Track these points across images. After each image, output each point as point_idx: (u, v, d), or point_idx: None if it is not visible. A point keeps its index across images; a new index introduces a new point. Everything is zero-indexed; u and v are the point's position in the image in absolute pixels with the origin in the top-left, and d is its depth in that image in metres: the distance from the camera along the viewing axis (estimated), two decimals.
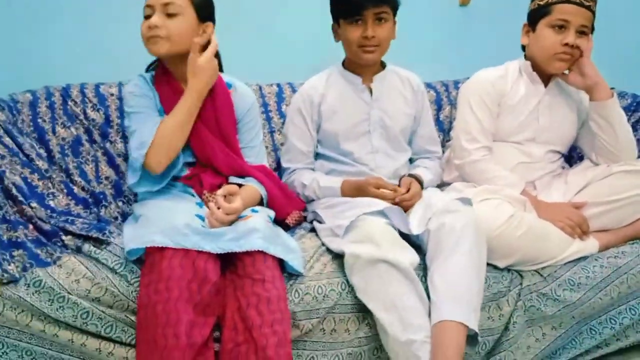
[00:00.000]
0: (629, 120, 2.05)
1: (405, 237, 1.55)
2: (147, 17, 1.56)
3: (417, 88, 1.90)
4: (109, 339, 1.37)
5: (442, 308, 1.40)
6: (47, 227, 1.47)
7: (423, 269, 1.51)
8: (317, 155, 1.90)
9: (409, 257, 1.46)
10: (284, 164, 1.90)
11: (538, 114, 1.86)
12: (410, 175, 1.79)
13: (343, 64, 1.86)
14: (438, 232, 1.50)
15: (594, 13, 1.75)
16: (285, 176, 1.90)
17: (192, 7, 1.58)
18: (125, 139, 1.83)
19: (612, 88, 1.81)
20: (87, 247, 1.43)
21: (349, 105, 1.81)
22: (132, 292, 1.37)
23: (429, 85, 2.18)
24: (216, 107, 1.64)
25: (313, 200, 1.82)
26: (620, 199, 1.70)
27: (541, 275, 1.62)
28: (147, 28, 1.55)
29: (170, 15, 1.55)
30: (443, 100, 2.24)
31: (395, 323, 1.39)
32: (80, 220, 1.52)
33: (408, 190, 1.69)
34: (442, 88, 2.27)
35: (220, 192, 1.50)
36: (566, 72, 1.82)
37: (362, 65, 1.79)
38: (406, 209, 1.65)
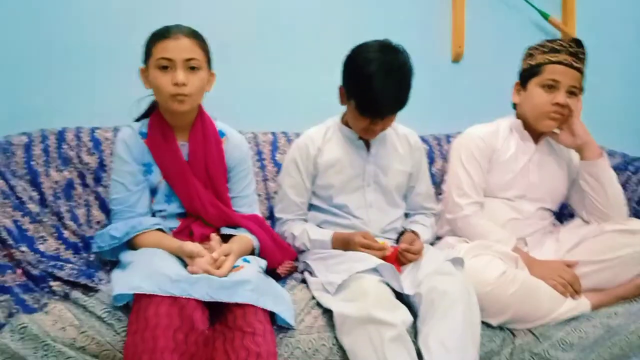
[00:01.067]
0: (618, 178, 2.07)
1: (398, 297, 1.53)
2: (162, 68, 1.54)
3: (415, 145, 1.91)
4: None
5: None
6: (35, 272, 1.45)
7: (414, 334, 1.48)
8: (311, 207, 1.89)
9: (401, 316, 1.44)
10: (277, 214, 1.90)
11: (528, 171, 1.88)
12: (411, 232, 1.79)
13: (342, 118, 1.87)
14: (430, 295, 1.49)
15: (583, 74, 1.80)
16: (277, 226, 1.89)
17: (205, 59, 1.60)
18: None
19: (601, 147, 1.84)
20: (75, 293, 1.41)
21: (346, 160, 1.81)
22: (119, 341, 1.34)
23: (421, 139, 2.19)
24: (207, 156, 1.65)
25: (304, 251, 1.81)
26: (612, 259, 1.71)
27: (534, 335, 1.61)
28: (172, 85, 1.53)
29: (191, 70, 1.55)
30: (435, 154, 2.26)
31: None
32: (70, 265, 1.51)
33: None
34: (435, 141, 2.30)
35: (215, 255, 1.48)
36: (557, 131, 1.85)
37: None
38: (405, 263, 1.65)
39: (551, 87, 1.78)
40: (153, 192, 1.66)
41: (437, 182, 2.19)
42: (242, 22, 2.25)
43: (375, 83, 1.61)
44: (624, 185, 2.08)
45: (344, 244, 1.71)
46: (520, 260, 1.72)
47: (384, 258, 1.63)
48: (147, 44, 1.59)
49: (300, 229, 1.81)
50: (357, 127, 1.74)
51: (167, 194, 1.65)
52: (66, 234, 1.68)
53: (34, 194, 1.70)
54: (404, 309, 1.48)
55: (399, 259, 1.66)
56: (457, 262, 1.60)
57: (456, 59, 2.55)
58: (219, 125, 1.73)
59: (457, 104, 2.50)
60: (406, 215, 1.96)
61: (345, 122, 1.84)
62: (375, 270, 1.56)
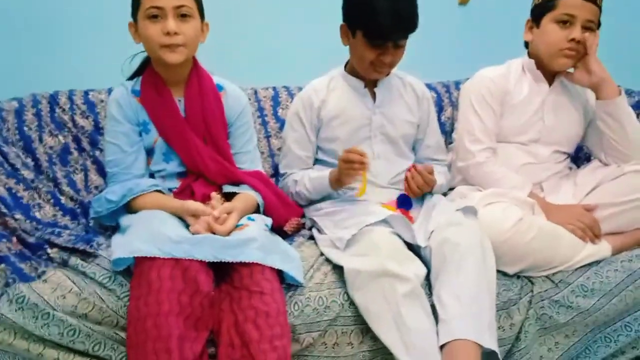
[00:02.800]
0: (637, 118, 1.99)
1: (410, 249, 1.47)
2: (152, 18, 1.46)
3: (422, 95, 1.82)
4: (98, 357, 1.29)
5: (452, 326, 1.32)
6: (31, 239, 1.40)
7: (427, 286, 1.43)
8: (317, 161, 1.82)
9: (415, 268, 1.39)
10: (282, 169, 1.83)
11: (543, 114, 1.79)
12: None
13: (345, 66, 1.78)
14: (441, 248, 1.43)
15: (600, 8, 1.69)
16: (281, 181, 1.83)
17: (196, 7, 1.51)
18: None
19: (618, 86, 1.74)
20: (73, 260, 1.35)
21: (351, 111, 1.73)
22: (121, 307, 1.29)
23: (429, 86, 2.11)
24: (205, 110, 1.58)
25: (306, 200, 1.74)
26: (633, 200, 1.63)
27: (552, 282, 1.55)
28: (163, 35, 1.45)
29: (183, 18, 1.47)
30: (444, 102, 2.17)
31: (401, 347, 1.31)
32: (67, 232, 1.45)
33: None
34: (443, 89, 2.21)
35: (216, 213, 1.42)
36: (571, 70, 1.75)
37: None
38: (413, 192, 1.61)
39: (566, 22, 1.67)
40: (150, 152, 1.59)
41: (447, 131, 2.11)
42: None
43: (384, 2, 1.51)
44: None
45: (337, 175, 1.62)
46: (537, 206, 1.65)
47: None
48: None
49: (300, 174, 1.75)
50: (365, 64, 1.63)
51: (165, 152, 1.58)
52: (63, 199, 1.62)
53: (28, 160, 1.65)
54: (417, 262, 1.43)
55: (410, 186, 1.62)
56: (469, 211, 1.53)
57: (463, 1, 2.44)
58: (217, 79, 1.65)
59: (465, 48, 2.41)
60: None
61: (349, 70, 1.75)
62: (385, 222, 1.50)
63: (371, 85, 1.75)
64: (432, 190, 1.68)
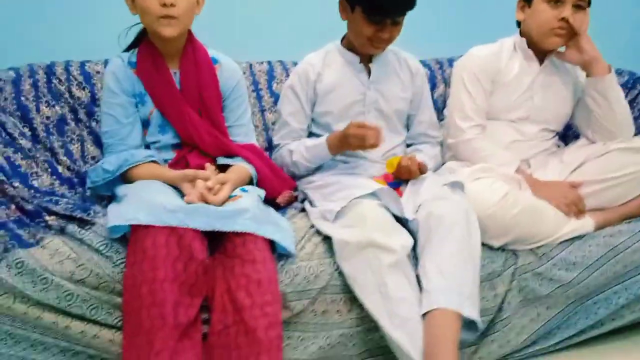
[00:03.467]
0: (625, 97, 2.01)
1: (398, 221, 1.51)
2: None
3: (416, 71, 1.85)
4: (94, 322, 1.33)
5: (434, 296, 1.36)
6: (30, 207, 1.43)
7: (414, 258, 1.47)
8: (310, 135, 1.85)
9: (401, 239, 1.43)
10: (276, 141, 1.86)
11: (532, 93, 1.82)
12: None
13: (342, 41, 1.80)
14: (428, 221, 1.47)
15: None
16: (274, 152, 1.85)
17: None
18: None
19: (608, 65, 1.77)
20: (71, 227, 1.38)
21: (345, 85, 1.76)
22: (117, 273, 1.33)
23: (423, 63, 2.12)
24: (200, 83, 1.60)
25: (305, 169, 1.76)
26: (617, 177, 1.68)
27: (536, 255, 1.60)
28: (159, 5, 1.47)
29: None
30: (437, 79, 2.20)
31: (385, 316, 1.36)
32: (65, 200, 1.48)
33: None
34: (437, 66, 2.23)
35: (210, 183, 1.45)
36: (562, 48, 1.78)
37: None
38: (403, 175, 1.64)
39: (557, 1, 1.69)
40: (146, 124, 1.62)
41: (440, 107, 2.13)
42: None
43: None
44: (631, 104, 2.03)
45: (340, 141, 1.65)
46: (524, 181, 1.69)
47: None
48: None
49: (296, 143, 1.77)
50: (363, 38, 1.66)
51: (161, 124, 1.61)
52: (60, 169, 1.65)
53: (26, 130, 1.67)
54: (404, 233, 1.47)
55: (399, 171, 1.64)
56: (456, 185, 1.57)
57: None
58: (212, 52, 1.67)
59: (459, 25, 2.41)
60: (409, 145, 1.91)
61: (346, 44, 1.77)
62: (374, 195, 1.54)
63: (366, 60, 1.77)
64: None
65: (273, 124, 1.96)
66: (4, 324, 1.30)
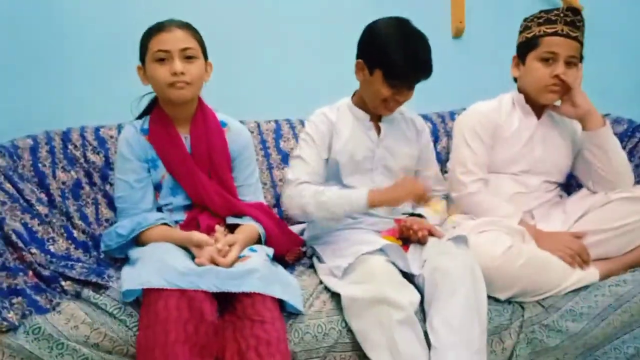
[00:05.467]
0: (625, 146, 2.06)
1: (405, 277, 1.54)
2: (159, 61, 1.56)
3: (422, 129, 1.90)
4: None
5: (442, 352, 1.38)
6: (46, 272, 1.47)
7: (422, 312, 1.49)
8: None
9: (409, 295, 1.45)
10: (291, 176, 1.73)
11: (533, 146, 1.87)
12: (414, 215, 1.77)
13: (351, 98, 1.84)
14: (433, 276, 1.49)
15: (581, 43, 1.78)
16: (290, 187, 1.72)
17: (200, 49, 1.62)
18: None
19: (606, 114, 1.82)
20: (86, 292, 1.43)
21: (356, 141, 1.79)
22: (131, 336, 1.36)
23: (425, 117, 2.19)
24: (210, 146, 1.67)
25: (316, 218, 1.70)
26: (620, 226, 1.70)
27: (542, 307, 1.61)
28: (170, 74, 1.55)
29: (188, 59, 1.58)
30: (440, 132, 2.26)
31: None
32: (80, 264, 1.53)
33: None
34: (439, 119, 2.29)
35: (219, 245, 1.50)
36: (558, 103, 1.83)
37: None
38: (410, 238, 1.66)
39: (549, 59, 1.76)
40: (158, 187, 1.68)
41: (442, 160, 2.18)
42: (241, 11, 2.26)
43: (406, 48, 1.62)
44: (631, 152, 2.07)
45: (386, 190, 1.67)
46: (527, 233, 1.72)
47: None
48: (142, 40, 1.61)
49: (323, 187, 1.71)
50: (377, 100, 1.70)
51: (172, 187, 1.67)
52: (75, 233, 1.71)
53: (42, 195, 1.73)
54: (411, 289, 1.50)
55: (404, 233, 1.67)
56: (460, 240, 1.61)
57: (457, 34, 2.53)
58: (220, 116, 1.75)
59: (459, 80, 2.47)
60: None
61: (356, 102, 1.82)
62: (381, 250, 1.57)
63: (375, 118, 1.82)
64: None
65: (280, 180, 2.01)
66: None
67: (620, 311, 1.64)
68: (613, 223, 1.71)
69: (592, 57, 1.83)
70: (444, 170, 2.12)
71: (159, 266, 1.39)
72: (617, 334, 1.67)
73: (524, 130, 1.86)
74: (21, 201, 1.64)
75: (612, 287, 1.67)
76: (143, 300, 1.37)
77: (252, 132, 2.03)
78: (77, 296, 1.44)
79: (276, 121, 2.16)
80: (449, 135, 2.22)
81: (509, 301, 1.61)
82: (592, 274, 1.68)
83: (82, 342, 1.34)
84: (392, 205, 1.69)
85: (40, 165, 1.78)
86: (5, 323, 1.31)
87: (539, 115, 1.88)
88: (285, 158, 2.05)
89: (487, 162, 1.87)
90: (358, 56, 1.73)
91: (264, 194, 1.88)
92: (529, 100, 1.86)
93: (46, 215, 1.67)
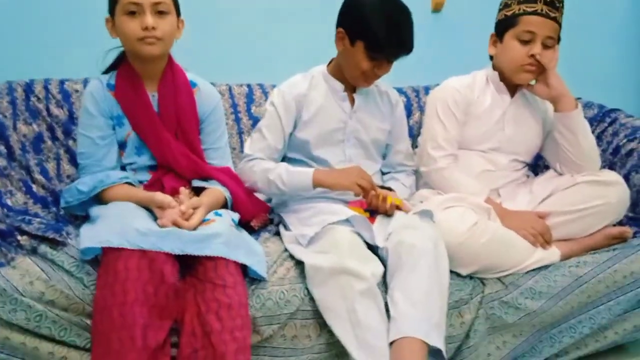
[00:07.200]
0: (594, 130, 2.09)
1: (369, 248, 1.54)
2: (130, 14, 1.50)
3: (396, 103, 1.89)
4: (63, 343, 1.33)
5: (401, 324, 1.38)
6: (2, 226, 1.43)
7: (384, 285, 1.49)
8: (288, 160, 1.83)
9: (372, 267, 1.45)
10: (247, 150, 1.77)
11: (504, 124, 1.87)
12: (384, 188, 1.76)
13: (327, 66, 1.81)
14: (398, 249, 1.49)
15: (560, 24, 1.77)
16: (242, 162, 1.76)
17: (172, 4, 1.56)
18: None
19: (578, 98, 1.83)
20: (43, 248, 1.39)
21: (328, 112, 1.77)
22: (87, 295, 1.34)
23: (399, 90, 2.17)
24: (178, 106, 1.62)
25: (273, 192, 1.73)
26: (583, 209, 1.72)
27: (503, 284, 1.63)
28: (140, 28, 1.50)
29: (160, 14, 1.52)
30: (413, 106, 2.25)
31: (353, 343, 1.38)
32: (38, 220, 1.48)
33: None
34: (413, 94, 2.28)
35: (183, 208, 1.46)
36: (533, 82, 1.84)
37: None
38: (378, 210, 1.65)
39: (527, 39, 1.75)
40: (123, 145, 1.63)
41: (414, 134, 2.19)
42: None
43: (389, 23, 1.59)
44: (600, 137, 2.10)
45: (331, 174, 1.67)
46: (493, 211, 1.73)
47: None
48: None
49: (274, 164, 1.72)
50: (357, 72, 1.68)
51: (138, 146, 1.62)
52: (35, 187, 1.66)
53: (1, 147, 1.67)
54: (375, 261, 1.50)
55: (373, 204, 1.66)
56: (426, 214, 1.61)
57: (436, 8, 2.50)
58: (190, 76, 1.70)
59: (437, 55, 2.47)
60: (384, 173, 1.95)
61: (331, 71, 1.79)
62: (347, 221, 1.56)
63: (350, 89, 1.80)
64: None
65: None
66: None
67: (578, 291, 1.67)
68: (578, 205, 1.73)
69: (567, 40, 1.83)
70: (414, 145, 2.12)
71: (121, 226, 1.36)
72: (574, 314, 1.70)
73: (496, 108, 1.86)
74: None
75: (572, 267, 1.69)
76: (102, 259, 1.34)
77: (223, 95, 2.00)
78: (34, 252, 1.39)
79: (248, 85, 2.12)
80: (422, 110, 2.21)
81: (470, 277, 1.63)
82: (553, 254, 1.70)
83: (37, 298, 1.31)
84: (335, 190, 1.67)
85: (0, 116, 1.72)
86: None
87: (512, 94, 1.88)
88: (255, 123, 2.00)
89: (458, 138, 1.86)
90: (339, 25, 1.70)
91: (233, 159, 1.84)
92: (503, 78, 1.85)
93: (5, 168, 1.62)
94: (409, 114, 2.20)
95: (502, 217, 1.72)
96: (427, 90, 2.28)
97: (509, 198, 1.85)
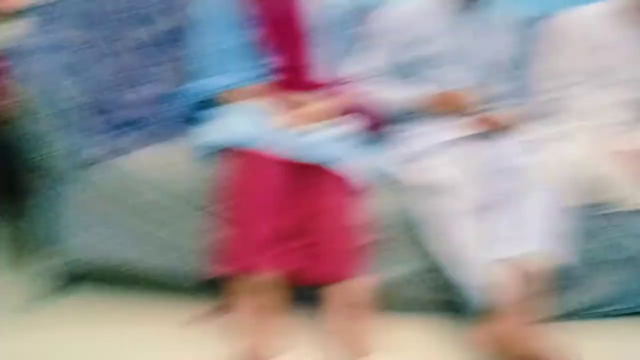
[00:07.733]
0: None
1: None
2: None
3: (512, 27, 1.85)
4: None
5: (516, 242, 1.40)
6: (129, 116, 1.52)
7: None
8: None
9: (476, 188, 1.47)
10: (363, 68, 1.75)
11: (627, 57, 1.75)
12: None
13: None
14: (509, 174, 1.49)
15: None
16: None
17: None
18: None
19: None
20: (160, 143, 1.49)
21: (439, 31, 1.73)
22: (204, 188, 1.42)
23: (517, 20, 2.06)
24: (309, 13, 1.63)
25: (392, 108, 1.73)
26: None
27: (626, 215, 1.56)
28: None
29: None
30: (529, 36, 2.14)
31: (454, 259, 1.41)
32: (159, 114, 1.57)
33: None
34: (529, 24, 2.17)
35: (303, 112, 1.51)
36: None
37: None
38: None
39: None
40: (249, 48, 1.64)
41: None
42: None
43: None
44: None
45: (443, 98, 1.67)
46: (605, 145, 1.64)
47: None
48: None
49: (387, 87, 1.73)
50: None
51: (263, 49, 1.63)
52: (156, 87, 1.69)
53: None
54: (480, 182, 1.50)
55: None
56: (539, 143, 1.59)
57: None
58: None
59: None
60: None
61: None
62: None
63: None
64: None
65: None
66: None
67: None
68: None
69: None
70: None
71: (236, 127, 1.43)
72: None
73: (622, 41, 1.75)
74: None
75: None
76: (219, 158, 1.41)
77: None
78: (158, 141, 1.48)
79: None
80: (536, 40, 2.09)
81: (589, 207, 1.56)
82: None
83: (157, 186, 1.40)
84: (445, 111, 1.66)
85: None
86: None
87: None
88: None
89: (577, 70, 1.78)
90: None
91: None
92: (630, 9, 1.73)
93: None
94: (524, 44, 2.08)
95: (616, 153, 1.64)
96: (544, 18, 2.13)
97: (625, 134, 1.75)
